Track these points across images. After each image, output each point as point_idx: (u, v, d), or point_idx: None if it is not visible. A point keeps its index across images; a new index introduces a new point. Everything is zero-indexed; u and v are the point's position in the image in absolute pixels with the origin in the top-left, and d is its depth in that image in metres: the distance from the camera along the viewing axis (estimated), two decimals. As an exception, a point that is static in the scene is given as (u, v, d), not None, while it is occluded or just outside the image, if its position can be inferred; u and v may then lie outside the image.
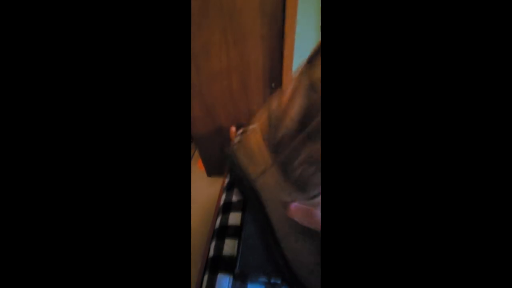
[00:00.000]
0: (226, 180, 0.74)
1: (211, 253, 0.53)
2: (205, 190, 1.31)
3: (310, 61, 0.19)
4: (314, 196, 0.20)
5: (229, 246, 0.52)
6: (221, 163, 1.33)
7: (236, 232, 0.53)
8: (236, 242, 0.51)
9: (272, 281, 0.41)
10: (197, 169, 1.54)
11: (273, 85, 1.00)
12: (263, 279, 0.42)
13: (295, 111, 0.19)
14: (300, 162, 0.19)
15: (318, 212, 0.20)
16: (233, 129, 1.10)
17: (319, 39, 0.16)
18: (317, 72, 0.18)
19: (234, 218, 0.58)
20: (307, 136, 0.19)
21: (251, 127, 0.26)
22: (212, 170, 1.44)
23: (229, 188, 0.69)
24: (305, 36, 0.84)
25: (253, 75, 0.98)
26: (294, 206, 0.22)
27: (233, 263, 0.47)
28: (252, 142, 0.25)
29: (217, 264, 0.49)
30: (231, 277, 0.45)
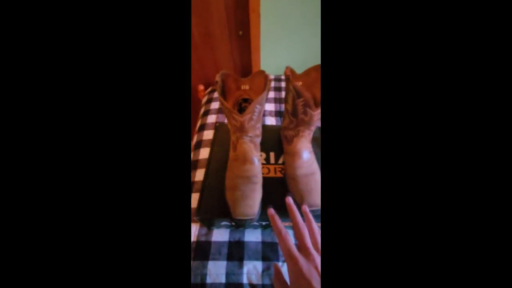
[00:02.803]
0: (195, 139, 0.71)
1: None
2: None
3: None
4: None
5: (194, 199, 0.52)
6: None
7: (200, 187, 0.54)
8: (199, 194, 0.52)
9: (233, 223, 0.43)
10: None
11: (240, 32, 0.89)
12: (225, 222, 0.43)
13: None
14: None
15: None
16: (200, 87, 1.01)
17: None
18: None
19: (200, 174, 0.57)
20: None
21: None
22: (187, 136, 1.39)
23: (196, 147, 0.67)
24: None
25: (215, 20, 0.84)
26: None
27: (197, 213, 0.48)
28: None
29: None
30: (197, 225, 0.47)
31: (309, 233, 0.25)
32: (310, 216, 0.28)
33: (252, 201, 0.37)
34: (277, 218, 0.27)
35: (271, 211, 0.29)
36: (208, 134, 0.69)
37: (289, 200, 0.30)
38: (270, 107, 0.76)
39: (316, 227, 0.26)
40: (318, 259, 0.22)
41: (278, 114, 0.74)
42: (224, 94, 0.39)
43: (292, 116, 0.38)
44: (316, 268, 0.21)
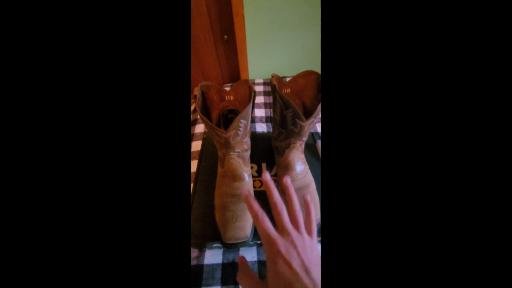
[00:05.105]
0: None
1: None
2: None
3: None
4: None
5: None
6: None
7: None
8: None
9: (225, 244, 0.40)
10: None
11: (225, 37, 0.86)
12: (217, 244, 0.40)
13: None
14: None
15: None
16: (188, 95, 0.98)
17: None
18: None
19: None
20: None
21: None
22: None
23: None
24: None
25: (198, 25, 0.81)
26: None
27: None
28: None
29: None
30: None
31: (289, 210, 0.23)
32: (292, 190, 0.24)
33: (244, 222, 0.34)
34: (252, 199, 0.23)
35: (245, 191, 0.24)
36: (196, 146, 0.66)
37: (266, 176, 0.24)
38: (260, 112, 0.74)
39: (297, 203, 0.23)
40: (296, 236, 0.20)
41: (269, 120, 0.72)
42: (206, 107, 0.36)
43: (281, 127, 0.35)
44: (295, 247, 0.20)
